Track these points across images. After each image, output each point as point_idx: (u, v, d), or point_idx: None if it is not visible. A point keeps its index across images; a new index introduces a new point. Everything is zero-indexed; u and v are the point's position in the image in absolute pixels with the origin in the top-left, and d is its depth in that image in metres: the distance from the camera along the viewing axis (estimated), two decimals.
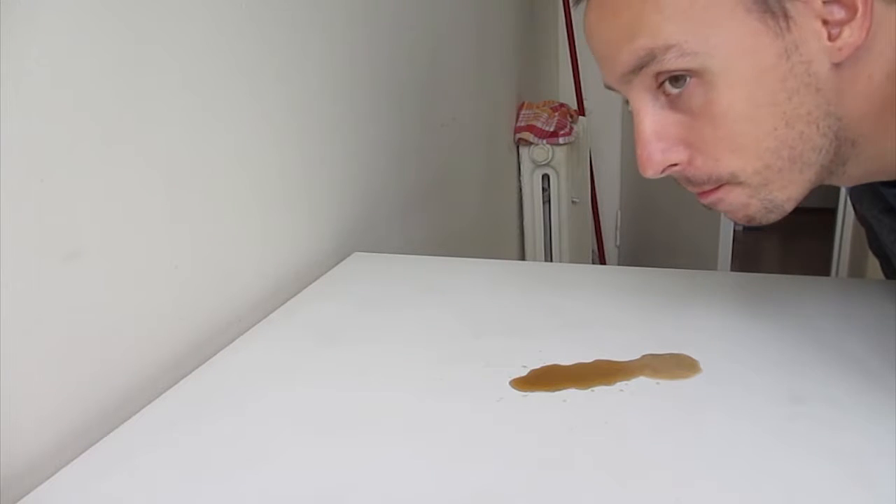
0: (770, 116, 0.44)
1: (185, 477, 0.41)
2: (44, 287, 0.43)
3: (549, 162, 1.72)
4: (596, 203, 2.28)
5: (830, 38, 0.42)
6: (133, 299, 0.51)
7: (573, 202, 1.85)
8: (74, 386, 0.46)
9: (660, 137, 0.47)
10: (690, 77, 0.44)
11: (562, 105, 1.81)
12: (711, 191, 0.48)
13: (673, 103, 0.46)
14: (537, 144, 1.71)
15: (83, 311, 0.46)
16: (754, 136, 0.44)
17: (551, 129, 1.70)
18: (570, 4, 0.54)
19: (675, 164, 0.47)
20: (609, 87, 0.49)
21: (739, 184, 0.47)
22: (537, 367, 0.50)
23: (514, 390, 0.48)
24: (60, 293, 0.45)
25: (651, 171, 0.47)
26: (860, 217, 0.61)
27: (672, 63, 0.43)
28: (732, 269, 2.41)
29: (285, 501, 0.38)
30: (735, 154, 0.45)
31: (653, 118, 0.46)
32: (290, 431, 0.45)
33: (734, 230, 2.42)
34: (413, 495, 0.38)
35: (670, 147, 0.47)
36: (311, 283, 0.70)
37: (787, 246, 3.57)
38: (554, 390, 0.47)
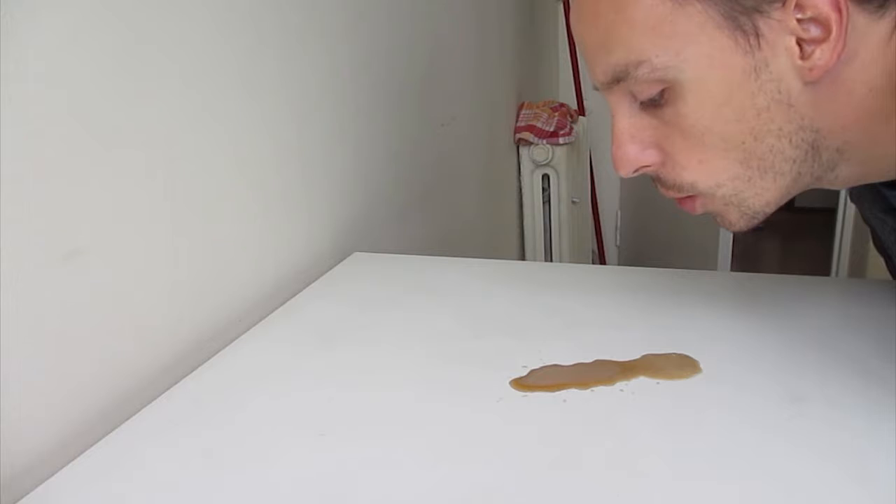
0: (738, 132, 0.45)
1: (184, 477, 0.41)
2: (44, 287, 0.43)
3: (549, 162, 1.72)
4: (596, 203, 2.28)
5: (803, 56, 0.42)
6: (133, 299, 0.51)
7: (573, 202, 1.85)
8: (74, 386, 0.46)
9: (634, 139, 0.48)
10: (664, 87, 0.45)
11: (562, 105, 1.81)
12: (687, 198, 0.49)
13: (648, 109, 0.47)
14: (537, 144, 1.71)
15: (83, 310, 0.46)
16: (722, 149, 0.45)
17: (551, 129, 1.70)
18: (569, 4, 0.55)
19: (648, 165, 0.49)
20: (595, 88, 0.50)
21: (706, 195, 0.48)
22: (537, 367, 0.50)
23: (514, 390, 0.48)
24: (60, 293, 0.45)
25: (624, 170, 0.49)
26: (864, 217, 0.61)
27: (644, 78, 0.44)
28: (732, 269, 2.41)
29: (285, 501, 0.38)
30: (702, 165, 0.47)
31: (629, 120, 0.48)
32: (290, 431, 0.45)
33: None
34: (413, 495, 0.38)
35: (644, 149, 0.48)
36: (311, 283, 0.70)
37: (787, 246, 3.57)
38: (554, 390, 0.47)
